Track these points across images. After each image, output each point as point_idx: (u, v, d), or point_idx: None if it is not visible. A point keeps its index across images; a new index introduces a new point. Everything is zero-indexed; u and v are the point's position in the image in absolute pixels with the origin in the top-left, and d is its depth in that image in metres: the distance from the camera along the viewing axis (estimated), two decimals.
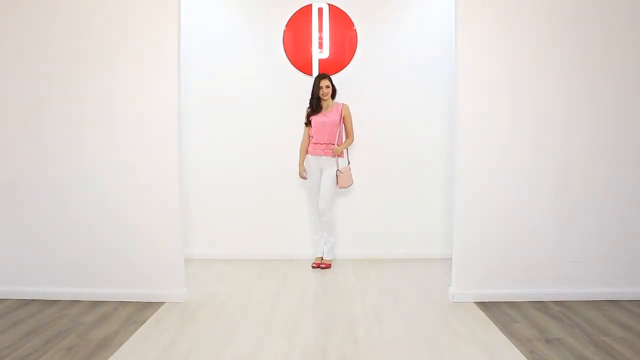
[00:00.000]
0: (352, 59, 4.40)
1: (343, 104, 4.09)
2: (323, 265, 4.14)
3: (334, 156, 4.07)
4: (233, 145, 4.46)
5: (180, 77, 3.21)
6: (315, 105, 4.06)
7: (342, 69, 4.39)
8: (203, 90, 4.43)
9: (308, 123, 4.11)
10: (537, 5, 3.18)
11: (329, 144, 4.05)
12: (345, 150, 4.13)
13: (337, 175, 4.07)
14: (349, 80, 4.33)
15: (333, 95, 4.10)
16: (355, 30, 4.40)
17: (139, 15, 3.17)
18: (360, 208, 4.48)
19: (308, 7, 4.39)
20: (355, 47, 4.40)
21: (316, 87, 4.03)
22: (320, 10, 4.39)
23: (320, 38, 4.39)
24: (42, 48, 3.21)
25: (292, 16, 4.39)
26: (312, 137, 4.11)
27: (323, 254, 4.23)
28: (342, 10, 4.38)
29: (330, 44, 4.40)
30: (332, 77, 4.11)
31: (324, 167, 4.09)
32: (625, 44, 3.19)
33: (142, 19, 3.17)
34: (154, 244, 3.24)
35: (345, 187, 4.13)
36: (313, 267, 4.15)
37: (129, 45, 3.18)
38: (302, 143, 4.17)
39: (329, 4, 4.38)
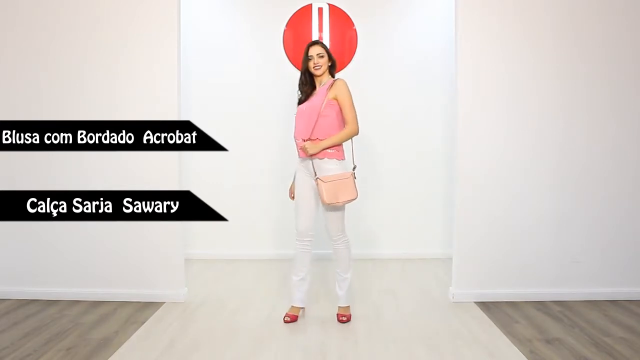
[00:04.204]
0: (352, 59, 4.40)
1: (335, 79, 2.85)
2: (344, 319, 2.89)
3: (308, 157, 2.74)
4: (233, 145, 4.44)
5: (180, 77, 3.21)
6: (307, 83, 2.85)
7: (341, 69, 4.38)
8: (203, 90, 4.43)
9: None
10: (537, 5, 3.18)
11: (305, 140, 2.76)
12: (350, 148, 2.85)
13: (317, 184, 2.70)
14: (348, 80, 4.31)
15: (332, 72, 2.91)
16: (355, 30, 4.40)
17: (139, 15, 3.18)
18: (359, 208, 4.46)
19: (308, 7, 4.39)
20: (355, 47, 4.40)
21: (305, 59, 2.83)
22: (320, 10, 4.39)
23: (320, 38, 4.38)
24: (42, 48, 3.21)
25: (292, 16, 4.39)
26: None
27: (339, 302, 2.95)
28: (342, 10, 4.38)
29: (330, 44, 4.38)
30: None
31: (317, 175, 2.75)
32: (626, 44, 3.19)
33: (142, 19, 3.18)
34: (154, 244, 3.24)
35: (333, 205, 2.70)
36: (286, 322, 2.86)
37: (129, 45, 3.19)
38: None
39: (329, 4, 4.38)
